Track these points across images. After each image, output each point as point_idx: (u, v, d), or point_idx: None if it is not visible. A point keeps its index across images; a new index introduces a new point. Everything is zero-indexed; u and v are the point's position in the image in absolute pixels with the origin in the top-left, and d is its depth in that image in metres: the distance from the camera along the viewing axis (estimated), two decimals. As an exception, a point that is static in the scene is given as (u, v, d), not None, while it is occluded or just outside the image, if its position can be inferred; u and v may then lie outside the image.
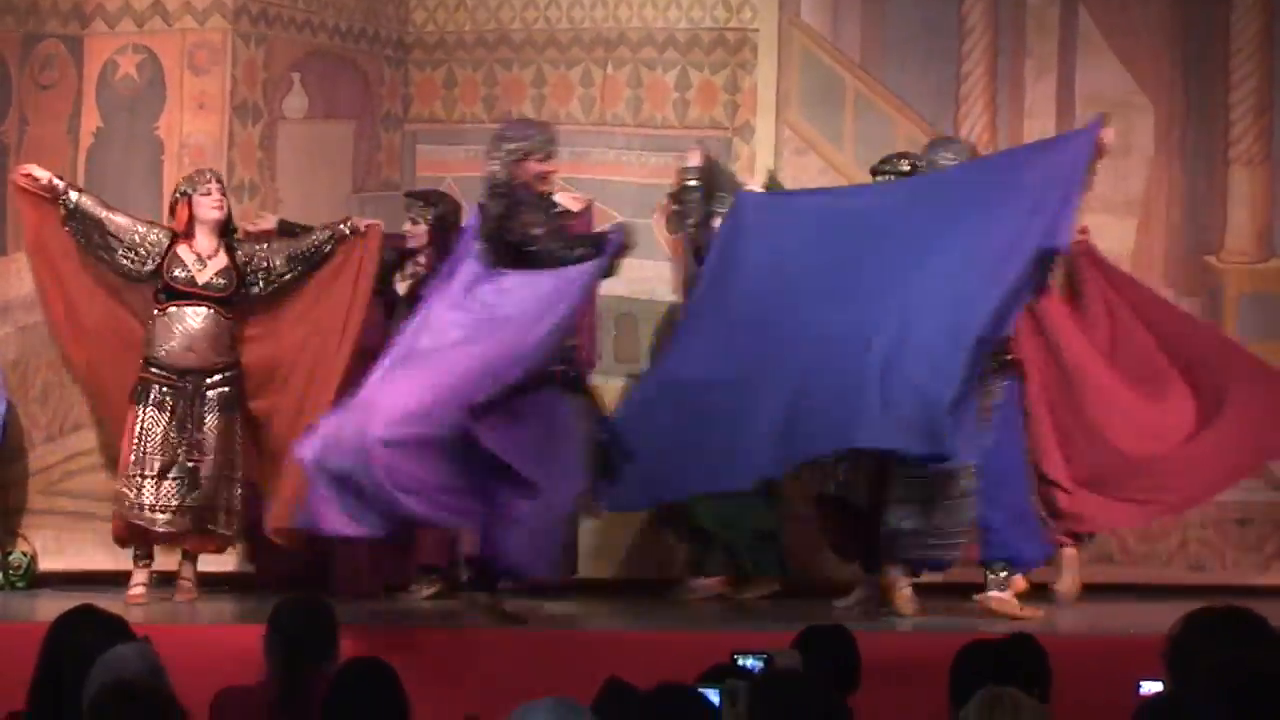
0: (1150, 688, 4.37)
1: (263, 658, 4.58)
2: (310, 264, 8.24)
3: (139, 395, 8.03)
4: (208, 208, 8.13)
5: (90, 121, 8.96)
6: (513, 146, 7.42)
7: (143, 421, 8.00)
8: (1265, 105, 9.27)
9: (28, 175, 8.18)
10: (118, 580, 8.32)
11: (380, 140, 9.30)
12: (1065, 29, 9.31)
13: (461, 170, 9.18)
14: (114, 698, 3.74)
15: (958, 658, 4.43)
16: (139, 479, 7.98)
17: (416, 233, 8.44)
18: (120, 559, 8.52)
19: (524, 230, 7.31)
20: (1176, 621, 3.91)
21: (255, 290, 8.18)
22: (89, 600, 4.47)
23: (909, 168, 8.07)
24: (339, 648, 4.60)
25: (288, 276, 8.21)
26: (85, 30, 8.96)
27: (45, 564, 8.67)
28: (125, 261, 8.11)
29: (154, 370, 8.04)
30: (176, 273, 8.05)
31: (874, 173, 8.18)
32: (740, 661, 4.65)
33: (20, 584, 8.57)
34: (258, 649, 4.58)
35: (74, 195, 8.15)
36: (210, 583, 8.37)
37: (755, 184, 8.85)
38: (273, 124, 9.05)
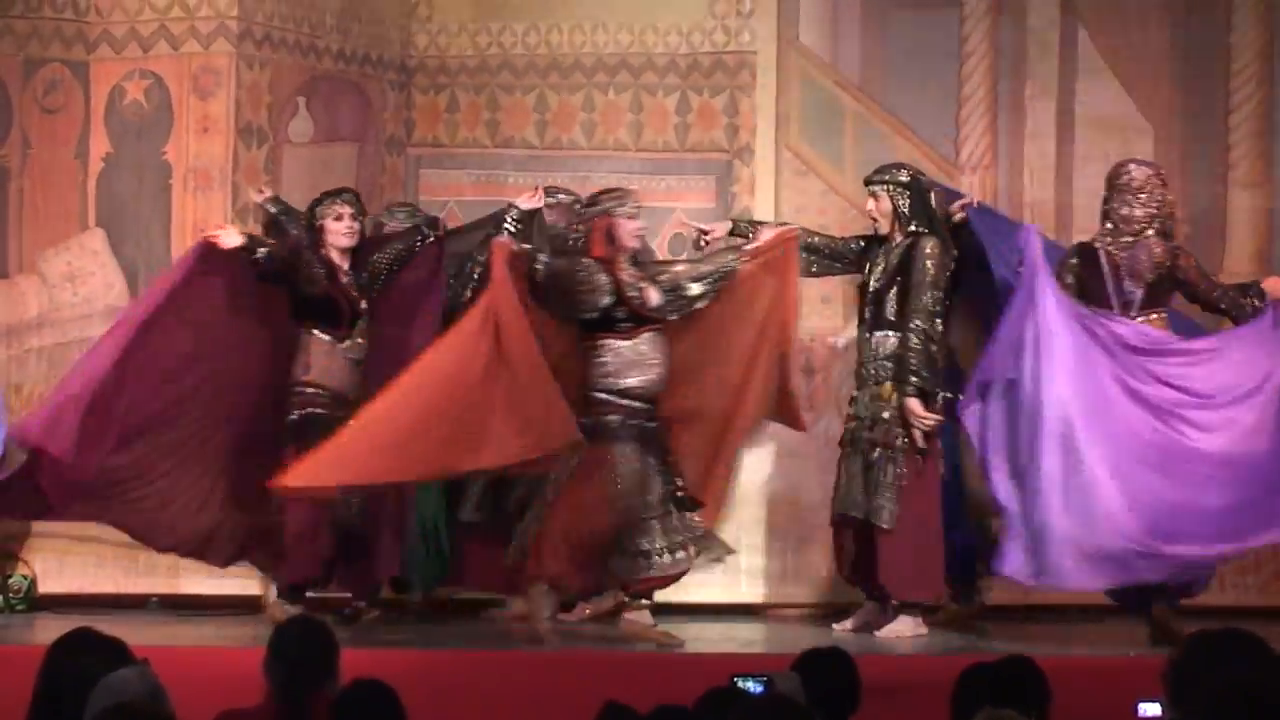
0: (1149, 710, 4.37)
1: (263, 680, 4.57)
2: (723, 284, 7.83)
3: (617, 431, 7.50)
4: (636, 228, 7.73)
5: (100, 147, 8.98)
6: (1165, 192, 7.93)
7: (627, 459, 7.50)
8: (1264, 128, 9.28)
9: None
10: (118, 603, 8.32)
11: (384, 164, 9.32)
12: (1066, 52, 9.33)
13: (465, 194, 9.21)
14: (114, 721, 3.74)
15: (958, 680, 4.43)
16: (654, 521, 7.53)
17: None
18: (120, 582, 8.51)
19: (1190, 270, 7.88)
20: (1177, 643, 3.90)
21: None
22: (89, 623, 4.47)
23: (907, 178, 8.07)
24: (340, 670, 4.59)
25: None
26: (91, 55, 8.98)
27: (45, 587, 8.67)
28: (598, 299, 7.55)
29: (623, 402, 7.53)
30: (638, 298, 7.60)
31: (868, 182, 8.13)
32: (740, 684, 4.64)
33: (20, 607, 8.57)
34: (258, 671, 4.57)
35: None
36: (211, 605, 8.38)
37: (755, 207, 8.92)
38: (278, 147, 9.07)
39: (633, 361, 7.55)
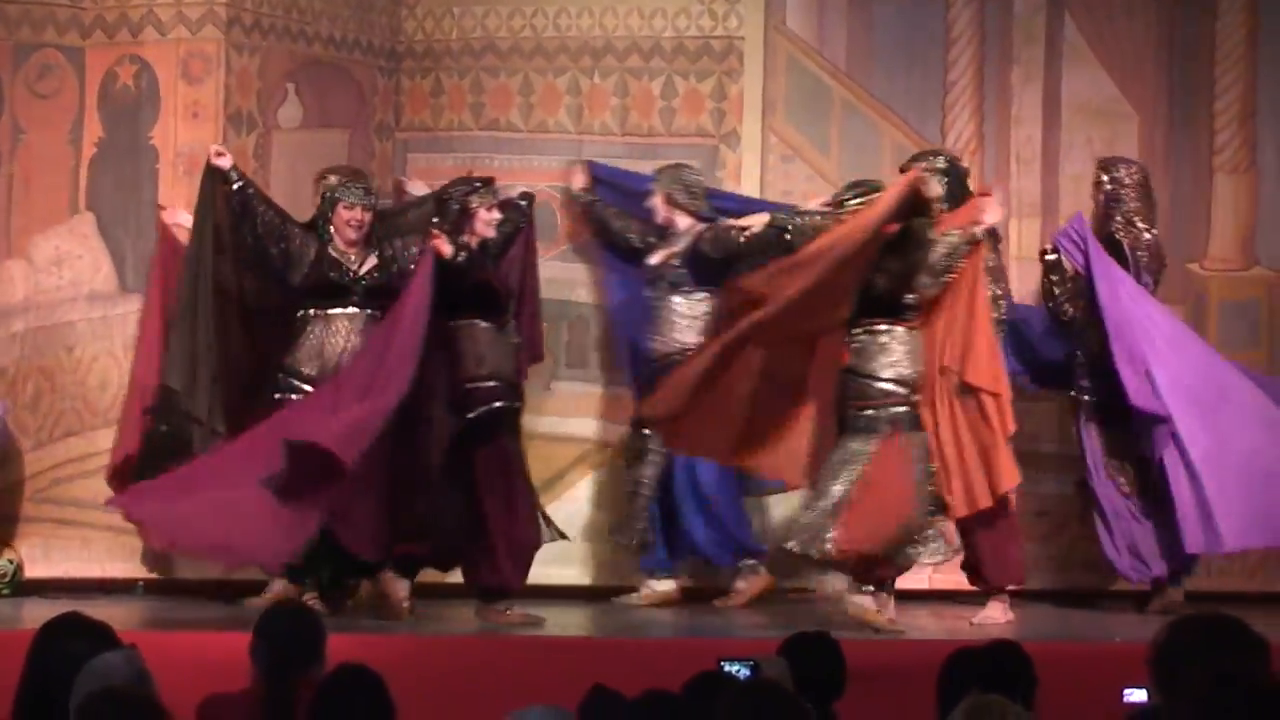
0: (1135, 696, 4.38)
1: (249, 664, 4.57)
2: None
3: (901, 420, 7.52)
4: None
5: (93, 132, 8.96)
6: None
7: (922, 449, 7.54)
8: (1249, 113, 9.29)
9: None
10: (105, 588, 8.32)
11: (374, 149, 9.31)
12: (1051, 37, 9.33)
13: (451, 177, 9.19)
14: (100, 705, 3.74)
15: (945, 665, 4.43)
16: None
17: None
18: (107, 566, 8.51)
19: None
20: (1162, 629, 3.91)
21: None
22: (76, 608, 4.47)
23: (945, 164, 8.05)
24: (326, 654, 4.59)
25: None
26: (86, 41, 8.96)
27: (32, 572, 8.66)
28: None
29: (904, 392, 7.55)
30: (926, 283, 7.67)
31: (903, 170, 8.01)
32: (727, 668, 4.65)
33: (6, 592, 8.56)
34: (244, 655, 4.57)
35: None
36: (198, 590, 8.39)
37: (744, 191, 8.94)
38: (267, 133, 9.06)
39: (914, 350, 7.53)
